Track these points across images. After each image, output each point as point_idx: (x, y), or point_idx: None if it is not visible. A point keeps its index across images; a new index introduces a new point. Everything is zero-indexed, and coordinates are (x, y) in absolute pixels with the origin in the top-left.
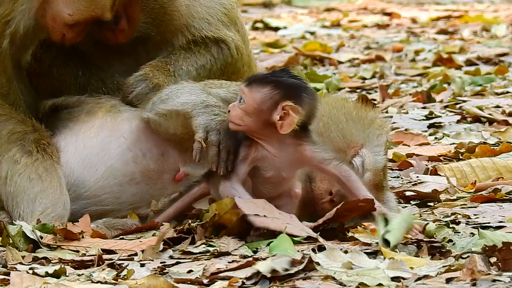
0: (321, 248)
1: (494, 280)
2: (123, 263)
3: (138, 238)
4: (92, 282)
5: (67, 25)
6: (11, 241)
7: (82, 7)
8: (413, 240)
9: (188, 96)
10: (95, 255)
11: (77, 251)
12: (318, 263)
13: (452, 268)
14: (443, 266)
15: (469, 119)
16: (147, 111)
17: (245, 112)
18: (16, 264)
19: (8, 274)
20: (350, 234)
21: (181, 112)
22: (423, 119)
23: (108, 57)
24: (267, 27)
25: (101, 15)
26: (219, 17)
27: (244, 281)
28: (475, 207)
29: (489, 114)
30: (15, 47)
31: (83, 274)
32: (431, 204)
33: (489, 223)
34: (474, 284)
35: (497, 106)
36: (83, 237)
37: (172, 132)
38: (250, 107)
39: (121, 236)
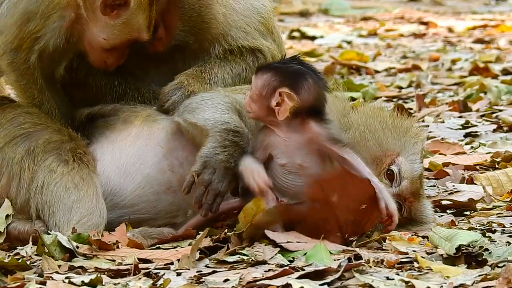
0: (358, 257)
1: None
2: (159, 272)
3: (175, 247)
4: None
5: (104, 50)
6: (46, 250)
7: (117, 31)
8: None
9: (213, 111)
10: (131, 264)
11: (113, 260)
12: (357, 270)
13: (488, 277)
14: (479, 275)
15: (505, 128)
16: (178, 115)
17: (251, 99)
18: (52, 273)
19: (44, 283)
20: (387, 242)
21: (202, 127)
22: (459, 128)
23: (145, 66)
24: (303, 36)
25: (138, 37)
26: (255, 26)
27: None
28: (511, 216)
29: None
30: (44, 62)
31: (119, 283)
32: (467, 213)
33: None
34: None
35: None
36: (118, 247)
37: (198, 141)
38: (254, 93)
39: (157, 245)
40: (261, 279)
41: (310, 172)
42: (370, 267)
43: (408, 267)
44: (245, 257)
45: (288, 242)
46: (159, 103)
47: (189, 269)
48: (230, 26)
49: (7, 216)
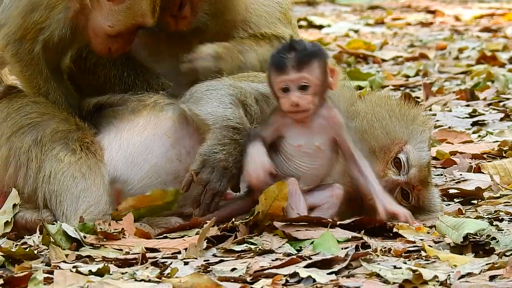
0: (365, 246)
1: None
2: (166, 261)
3: (182, 236)
4: (136, 280)
5: (109, 37)
6: (52, 240)
7: (122, 17)
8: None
9: (217, 104)
10: (139, 253)
11: (121, 250)
12: (364, 259)
13: (495, 265)
14: (487, 264)
15: None
16: (183, 101)
17: (314, 93)
18: (59, 262)
19: (51, 272)
20: (394, 231)
21: (203, 121)
22: (467, 117)
23: (157, 59)
24: (311, 25)
25: (142, 22)
26: (276, 15)
27: (288, 279)
28: None
29: None
30: (49, 52)
31: (126, 272)
32: (475, 202)
33: None
34: None
35: None
36: (124, 235)
37: (201, 131)
38: (315, 86)
39: (164, 235)
40: (268, 268)
41: (325, 156)
42: (378, 256)
43: (415, 256)
44: (252, 246)
45: (297, 230)
46: (184, 58)
47: (196, 258)
48: (251, 14)
49: (15, 205)
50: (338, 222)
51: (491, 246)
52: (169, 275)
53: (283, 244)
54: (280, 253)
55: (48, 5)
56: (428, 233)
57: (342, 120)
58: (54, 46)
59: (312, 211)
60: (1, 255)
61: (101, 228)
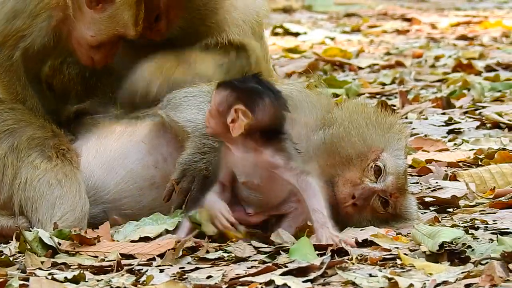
0: (341, 254)
1: None
2: (142, 269)
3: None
4: (111, 287)
5: (92, 47)
6: (28, 247)
7: (103, 27)
8: None
9: (196, 111)
10: (114, 260)
11: (96, 257)
12: (340, 267)
13: (471, 274)
14: (462, 272)
15: (488, 125)
16: (162, 108)
17: (210, 114)
18: (35, 269)
19: (27, 279)
20: (370, 239)
21: (182, 128)
22: (443, 125)
23: (125, 64)
24: (287, 32)
25: (124, 33)
26: (250, 25)
27: (264, 286)
28: (494, 213)
29: (509, 120)
30: (29, 60)
31: (102, 279)
32: (450, 210)
33: (508, 229)
34: None
35: None
36: (99, 241)
37: (180, 137)
38: (212, 109)
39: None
40: (244, 276)
41: (272, 188)
42: (353, 264)
43: (391, 264)
44: (226, 254)
45: (267, 246)
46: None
47: (171, 266)
48: (228, 25)
49: None
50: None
51: (466, 254)
52: (144, 283)
53: (255, 254)
54: (255, 260)
55: (31, 13)
56: (404, 241)
57: (272, 160)
58: (34, 54)
59: (280, 221)
60: None
61: (75, 231)
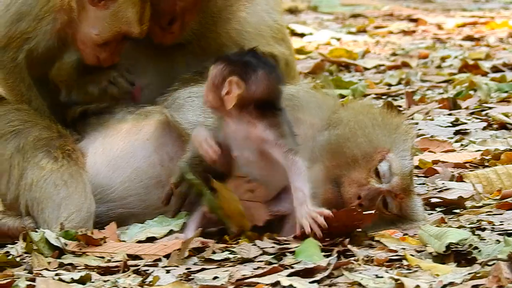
0: (347, 255)
1: None
2: (148, 269)
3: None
4: None
5: (97, 46)
6: (35, 248)
7: (107, 24)
8: None
9: (198, 113)
10: (121, 261)
11: (103, 257)
12: (346, 268)
13: (477, 275)
14: (469, 273)
15: (495, 126)
16: (167, 106)
17: (207, 88)
18: (41, 270)
19: (33, 280)
20: (376, 239)
21: (184, 129)
22: (449, 126)
23: (135, 66)
24: (293, 33)
25: (128, 30)
26: (270, 34)
27: (270, 287)
28: (501, 214)
29: None
30: (34, 61)
31: (108, 280)
32: (457, 211)
33: None
34: None
35: None
36: (105, 242)
37: (183, 138)
38: (209, 83)
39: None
40: (250, 277)
41: (259, 166)
42: (360, 265)
43: (397, 265)
44: (232, 255)
45: (272, 247)
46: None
47: (178, 266)
48: (242, 38)
49: None
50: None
51: (473, 255)
52: (151, 283)
53: (261, 254)
54: (261, 261)
55: (37, 16)
56: (410, 242)
57: (263, 134)
58: (38, 56)
59: (283, 221)
60: None
61: (81, 232)
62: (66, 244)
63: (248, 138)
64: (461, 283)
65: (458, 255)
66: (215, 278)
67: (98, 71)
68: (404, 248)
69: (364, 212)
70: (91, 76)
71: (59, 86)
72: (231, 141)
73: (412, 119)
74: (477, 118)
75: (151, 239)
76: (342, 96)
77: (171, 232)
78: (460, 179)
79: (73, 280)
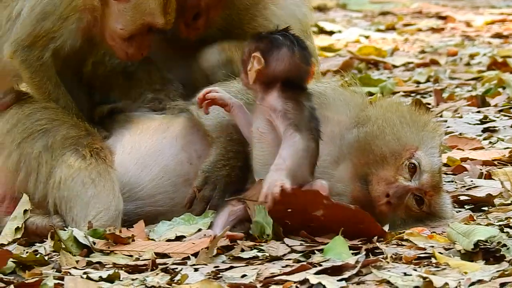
0: (376, 253)
1: None
2: (176, 268)
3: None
4: (146, 286)
5: (124, 40)
6: (63, 246)
7: (129, 17)
8: None
9: (222, 115)
10: (149, 259)
11: (131, 256)
12: (375, 266)
13: (506, 273)
14: (497, 271)
15: None
16: (194, 103)
17: (241, 65)
18: (70, 268)
19: (62, 278)
20: (405, 238)
21: (208, 131)
22: (478, 123)
23: (165, 55)
24: (321, 31)
25: (152, 21)
26: (297, 29)
27: (298, 285)
28: None
29: None
30: (61, 60)
31: (137, 278)
32: (485, 208)
33: None
34: None
35: None
36: (133, 240)
37: (209, 138)
38: (242, 60)
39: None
40: (278, 275)
41: (267, 140)
42: (388, 262)
43: (425, 263)
44: (260, 253)
45: (300, 245)
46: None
47: (206, 265)
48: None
49: (25, 211)
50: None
51: (501, 253)
52: (179, 282)
53: (289, 252)
54: (290, 259)
55: (61, 16)
56: (439, 240)
57: (274, 102)
58: (65, 54)
59: None
60: (12, 261)
61: (110, 230)
62: (94, 243)
63: (263, 109)
64: (489, 281)
65: (487, 253)
66: (243, 276)
67: (143, 78)
68: (432, 246)
69: (325, 201)
70: (135, 81)
71: (95, 87)
72: (253, 115)
73: (441, 116)
74: (505, 116)
75: (179, 238)
76: (371, 94)
77: (199, 231)
78: (488, 176)
79: (101, 279)
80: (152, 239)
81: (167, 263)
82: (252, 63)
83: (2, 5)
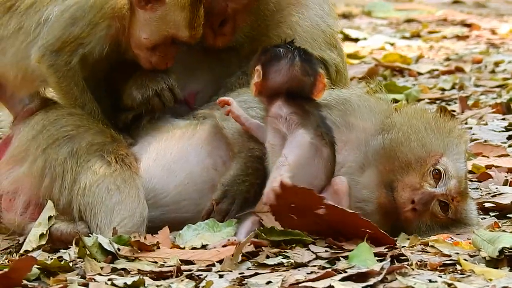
0: (401, 259)
1: None
2: (201, 274)
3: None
4: None
5: (148, 49)
6: (88, 252)
7: (154, 27)
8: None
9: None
10: (174, 265)
11: (156, 262)
12: (400, 273)
13: None
14: None
15: None
16: (221, 118)
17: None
18: (94, 275)
19: (87, 285)
20: (430, 244)
21: (230, 144)
22: (503, 131)
23: (190, 70)
24: (347, 38)
25: (176, 34)
26: (321, 40)
27: None
28: None
29: None
30: (88, 66)
31: (162, 285)
32: (510, 215)
33: None
34: None
35: None
36: (158, 247)
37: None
38: (250, 73)
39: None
40: (303, 281)
41: (278, 151)
42: (413, 269)
43: (451, 270)
44: (285, 260)
45: (325, 251)
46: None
47: (231, 271)
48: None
49: (50, 217)
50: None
51: None
52: None
53: (314, 258)
54: (315, 266)
55: (91, 22)
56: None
57: (276, 110)
58: (93, 60)
59: None
60: (37, 268)
61: (135, 237)
62: (119, 249)
63: (269, 118)
64: None
65: None
66: (268, 282)
67: (148, 77)
68: (457, 253)
69: (324, 201)
70: (139, 80)
71: (120, 92)
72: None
73: (466, 124)
74: None
75: (205, 246)
76: (396, 101)
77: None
78: None
79: (126, 285)
80: (177, 245)
81: (192, 270)
82: (253, 76)
83: (32, 10)
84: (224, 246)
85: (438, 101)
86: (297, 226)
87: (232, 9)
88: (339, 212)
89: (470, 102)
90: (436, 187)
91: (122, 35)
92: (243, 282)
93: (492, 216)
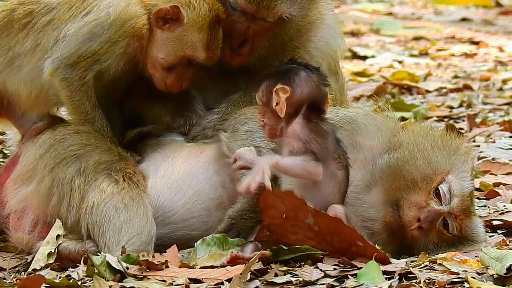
0: (409, 277)
1: None
2: None
3: (224, 266)
4: None
5: (164, 69)
6: (96, 271)
7: (171, 48)
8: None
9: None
10: (182, 284)
11: (164, 281)
12: None
13: None
14: None
15: None
16: (226, 130)
17: (260, 114)
18: None
19: None
20: (438, 262)
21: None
22: (510, 148)
23: (201, 89)
24: (355, 55)
25: (192, 55)
26: (327, 61)
27: None
28: None
29: None
30: (102, 82)
31: None
32: None
33: None
34: None
35: None
36: (167, 266)
37: None
38: (259, 107)
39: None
40: None
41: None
42: (421, 287)
43: (459, 287)
44: (293, 278)
45: (334, 269)
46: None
47: None
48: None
49: (58, 236)
50: None
51: None
52: None
53: (323, 276)
54: (323, 284)
55: (110, 40)
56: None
57: (300, 134)
58: (108, 78)
59: None
60: (45, 287)
61: (143, 256)
62: (127, 268)
63: (284, 138)
64: None
65: None
66: None
67: (181, 103)
68: (465, 271)
69: (309, 207)
70: (170, 106)
71: (128, 110)
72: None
73: (474, 141)
74: None
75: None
76: (404, 119)
77: None
78: None
79: None
80: (186, 264)
81: None
82: (277, 96)
83: (50, 28)
84: (229, 261)
85: (446, 119)
86: (296, 241)
87: (253, 31)
88: (325, 218)
89: (478, 120)
90: (441, 205)
91: (140, 55)
92: None
93: (500, 233)
